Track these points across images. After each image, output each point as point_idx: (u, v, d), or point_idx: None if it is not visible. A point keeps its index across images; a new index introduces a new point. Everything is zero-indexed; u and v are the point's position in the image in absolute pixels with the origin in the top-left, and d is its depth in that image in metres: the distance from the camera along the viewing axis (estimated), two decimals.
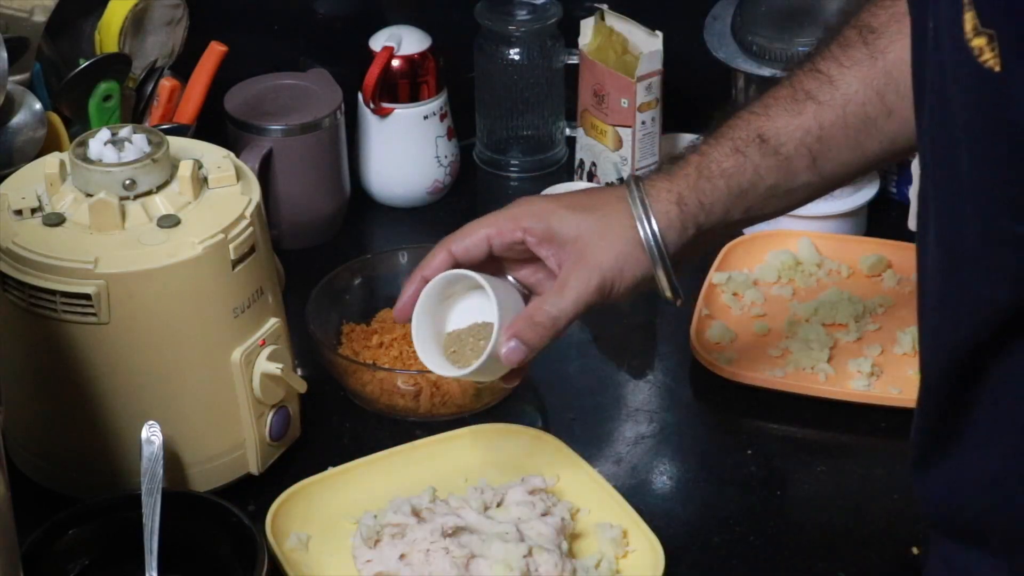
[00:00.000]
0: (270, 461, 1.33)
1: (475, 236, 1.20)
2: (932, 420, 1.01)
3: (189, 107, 1.56)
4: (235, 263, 1.25)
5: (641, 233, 1.18)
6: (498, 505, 1.28)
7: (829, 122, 1.18)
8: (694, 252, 1.22)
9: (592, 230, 1.18)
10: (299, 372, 1.36)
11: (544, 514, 1.26)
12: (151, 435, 1.23)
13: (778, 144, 1.18)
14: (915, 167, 1.58)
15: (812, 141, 1.18)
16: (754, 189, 1.19)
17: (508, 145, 1.78)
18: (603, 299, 1.19)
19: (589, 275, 1.17)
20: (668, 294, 1.20)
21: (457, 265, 1.20)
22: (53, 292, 1.21)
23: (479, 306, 1.21)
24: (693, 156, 1.20)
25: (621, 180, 1.22)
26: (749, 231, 1.63)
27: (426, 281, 1.20)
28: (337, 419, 1.41)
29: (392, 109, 1.68)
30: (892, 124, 1.19)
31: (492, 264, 1.22)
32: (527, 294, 1.23)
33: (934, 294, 0.96)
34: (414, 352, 1.42)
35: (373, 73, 1.65)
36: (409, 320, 1.21)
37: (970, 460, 0.99)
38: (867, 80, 1.18)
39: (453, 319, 1.23)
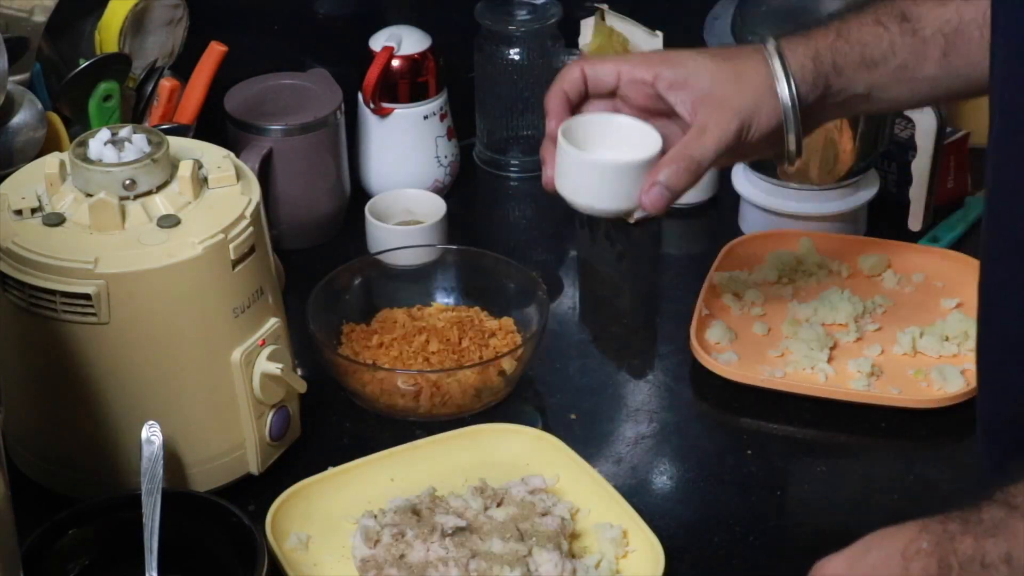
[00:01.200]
0: (270, 461, 1.33)
1: (608, 65, 1.23)
2: None
3: (189, 107, 1.56)
4: (235, 263, 1.25)
5: (777, 85, 1.20)
6: (498, 505, 1.28)
7: (969, 17, 1.21)
8: (813, 117, 1.24)
9: (727, 78, 1.21)
10: (299, 372, 1.36)
11: (544, 514, 1.26)
12: (151, 435, 1.23)
13: (918, 25, 1.22)
14: (915, 167, 1.58)
15: (950, 31, 1.22)
16: (885, 63, 1.22)
17: (508, 145, 1.78)
18: (740, 142, 1.21)
19: (729, 118, 1.20)
20: (793, 147, 1.22)
21: (587, 84, 1.24)
22: (53, 292, 1.21)
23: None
24: (833, 22, 1.23)
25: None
26: (749, 231, 1.64)
27: (565, 94, 1.24)
28: (337, 419, 1.41)
29: (392, 109, 1.68)
30: (977, 72, 1.20)
31: (610, 104, 1.26)
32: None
33: None
34: (414, 352, 1.43)
35: (373, 73, 1.65)
36: (554, 141, 1.25)
37: None
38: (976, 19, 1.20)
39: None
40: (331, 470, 1.31)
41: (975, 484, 1.15)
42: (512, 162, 1.77)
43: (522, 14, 1.73)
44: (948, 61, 1.23)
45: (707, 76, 1.20)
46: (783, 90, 1.20)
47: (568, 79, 1.24)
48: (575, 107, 1.25)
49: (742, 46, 1.24)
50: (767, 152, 1.26)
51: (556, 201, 1.53)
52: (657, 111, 1.24)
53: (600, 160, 1.24)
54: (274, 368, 1.28)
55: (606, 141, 1.25)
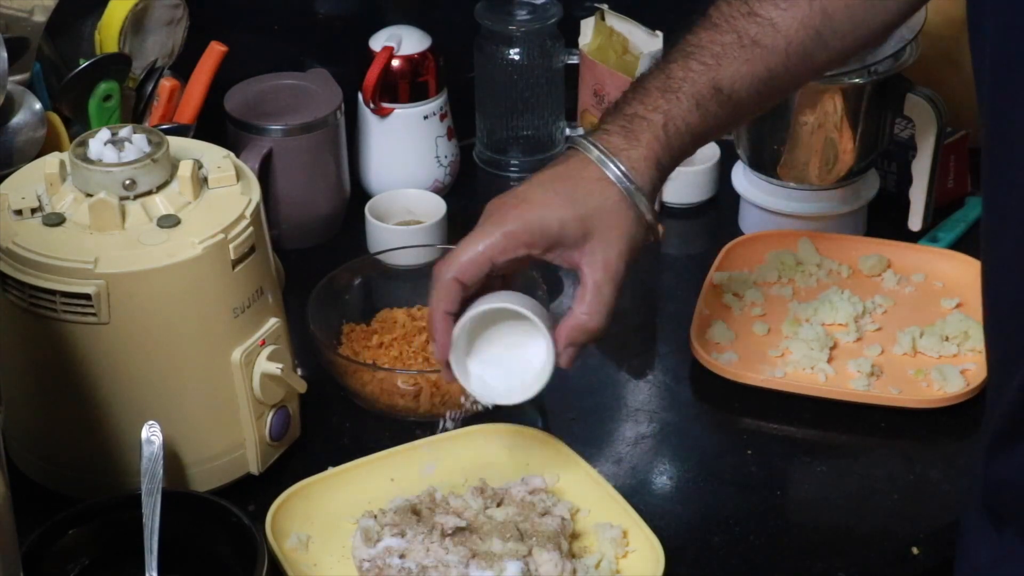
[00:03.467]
0: (270, 461, 1.33)
1: (478, 260, 1.20)
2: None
3: (189, 107, 1.56)
4: (235, 263, 1.25)
5: (643, 211, 1.22)
6: (498, 505, 1.28)
7: (775, 64, 1.25)
8: None
9: (598, 225, 1.21)
10: (299, 372, 1.36)
11: (544, 514, 1.26)
12: (151, 435, 1.23)
13: (732, 92, 1.25)
14: (915, 167, 1.58)
15: (761, 85, 1.26)
16: (712, 134, 1.27)
17: (508, 145, 1.78)
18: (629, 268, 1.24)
19: (616, 268, 1.22)
20: (658, 230, 1.25)
21: (464, 287, 1.20)
22: (53, 292, 1.21)
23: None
24: (655, 116, 1.23)
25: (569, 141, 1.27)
26: (749, 231, 1.64)
27: (449, 315, 1.20)
28: (337, 419, 1.41)
29: (392, 109, 1.68)
30: (825, 55, 1.27)
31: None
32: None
33: None
34: (414, 352, 1.43)
35: (373, 73, 1.65)
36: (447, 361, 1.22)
37: None
38: (805, 20, 1.25)
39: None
40: (331, 470, 1.31)
41: (972, 483, 1.16)
42: (512, 162, 1.77)
43: (522, 14, 1.73)
44: (763, 103, 1.29)
45: (578, 231, 1.20)
46: (648, 215, 1.22)
47: (446, 298, 1.21)
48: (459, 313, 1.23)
49: (583, 173, 1.22)
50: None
51: None
52: (523, 263, 1.24)
53: (508, 395, 1.23)
54: (274, 368, 1.28)
55: (494, 346, 1.23)
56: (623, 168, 1.21)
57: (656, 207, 1.24)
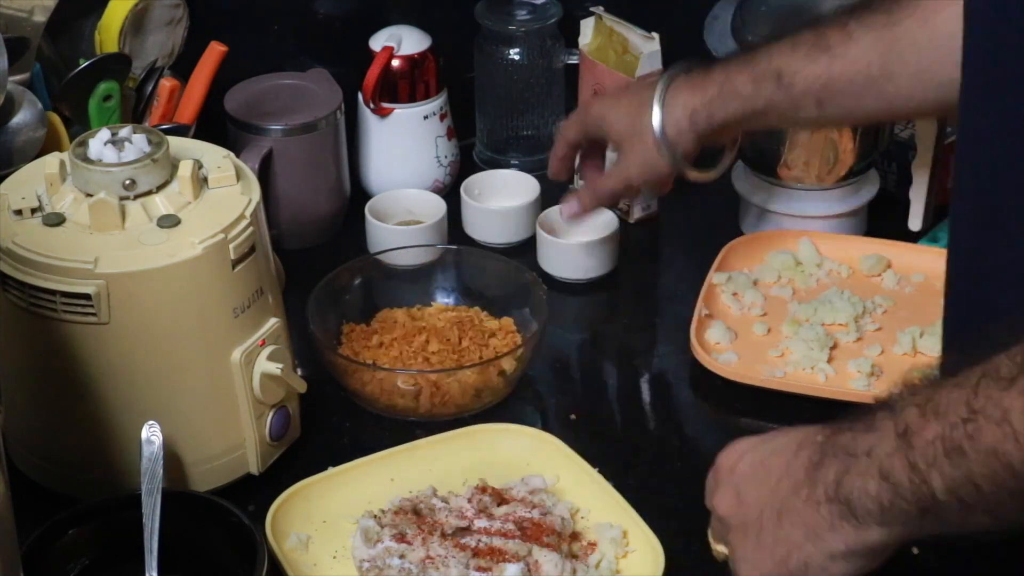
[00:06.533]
0: (270, 461, 1.33)
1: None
2: None
3: (189, 107, 1.56)
4: (235, 263, 1.25)
5: (659, 138, 1.40)
6: (498, 505, 1.28)
7: (837, 73, 1.33)
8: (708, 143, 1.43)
9: (634, 128, 1.42)
10: (299, 372, 1.36)
11: (544, 514, 1.26)
12: (151, 435, 1.23)
13: (790, 83, 1.35)
14: (915, 167, 1.58)
15: (819, 88, 1.34)
16: (764, 114, 1.38)
17: (508, 145, 1.78)
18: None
19: (646, 156, 1.41)
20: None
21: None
22: (53, 292, 1.21)
23: None
24: (719, 75, 1.38)
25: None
26: (749, 231, 1.64)
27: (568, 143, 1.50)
28: (337, 419, 1.41)
29: (392, 109, 1.68)
30: (891, 87, 1.31)
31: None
32: None
33: None
34: (414, 352, 1.43)
35: (373, 73, 1.65)
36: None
37: None
38: (877, 43, 1.31)
39: None
40: (331, 470, 1.31)
41: None
42: (512, 162, 1.77)
43: (522, 14, 1.73)
44: (822, 108, 1.36)
45: (620, 126, 1.43)
46: (662, 147, 1.40)
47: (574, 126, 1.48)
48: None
49: (644, 92, 1.42)
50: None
51: (555, 200, 1.53)
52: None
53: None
54: (274, 368, 1.28)
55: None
56: (663, 97, 1.39)
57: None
